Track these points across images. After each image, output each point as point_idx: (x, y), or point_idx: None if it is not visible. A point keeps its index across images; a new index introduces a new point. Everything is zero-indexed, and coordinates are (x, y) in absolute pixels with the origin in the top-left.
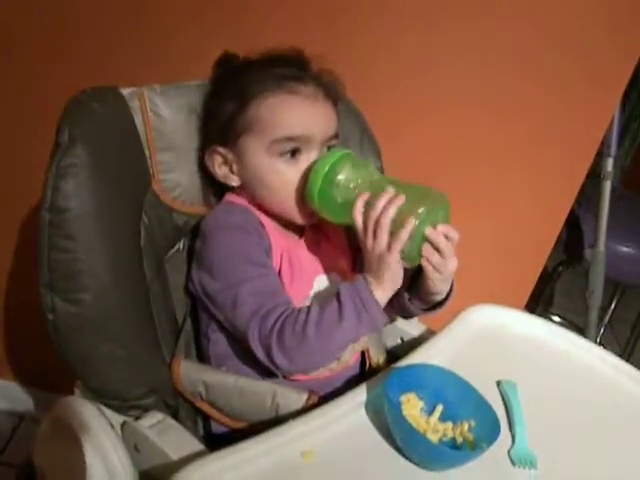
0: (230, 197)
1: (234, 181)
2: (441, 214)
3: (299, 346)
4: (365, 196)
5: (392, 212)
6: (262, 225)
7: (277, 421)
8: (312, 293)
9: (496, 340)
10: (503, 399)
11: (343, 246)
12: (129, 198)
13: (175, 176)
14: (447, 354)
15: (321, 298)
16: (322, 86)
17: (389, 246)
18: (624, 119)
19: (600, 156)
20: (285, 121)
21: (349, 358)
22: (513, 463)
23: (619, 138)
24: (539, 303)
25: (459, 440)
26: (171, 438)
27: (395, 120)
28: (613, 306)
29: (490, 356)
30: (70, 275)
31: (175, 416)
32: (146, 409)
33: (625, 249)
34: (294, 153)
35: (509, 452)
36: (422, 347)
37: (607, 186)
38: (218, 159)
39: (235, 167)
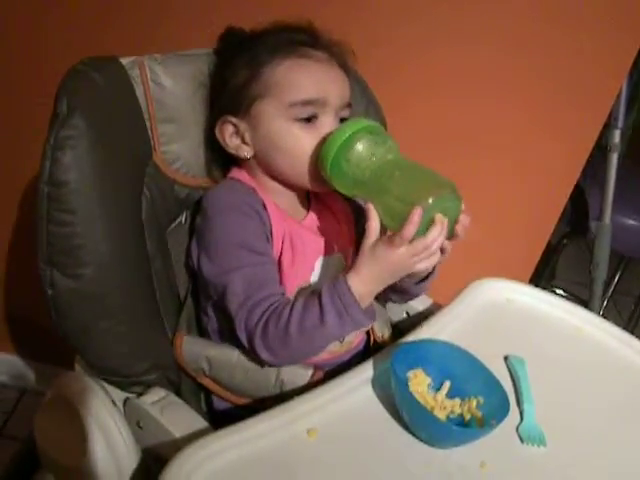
0: (235, 173)
1: (246, 152)
2: (449, 201)
3: (282, 343)
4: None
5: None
6: (265, 207)
7: (282, 397)
8: (314, 276)
9: (503, 314)
10: (511, 375)
11: (349, 223)
12: (130, 170)
13: (177, 148)
14: (453, 328)
15: (323, 280)
16: (334, 54)
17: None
18: (631, 90)
19: (607, 128)
20: (302, 84)
21: (353, 339)
22: (522, 440)
23: (627, 110)
24: (543, 276)
25: (467, 417)
26: (174, 415)
27: (395, 104)
28: (617, 279)
29: (497, 331)
30: (69, 249)
31: (178, 393)
32: (149, 385)
33: (631, 222)
34: (310, 119)
35: (517, 429)
36: (428, 322)
37: (614, 158)
38: (230, 129)
39: (248, 136)
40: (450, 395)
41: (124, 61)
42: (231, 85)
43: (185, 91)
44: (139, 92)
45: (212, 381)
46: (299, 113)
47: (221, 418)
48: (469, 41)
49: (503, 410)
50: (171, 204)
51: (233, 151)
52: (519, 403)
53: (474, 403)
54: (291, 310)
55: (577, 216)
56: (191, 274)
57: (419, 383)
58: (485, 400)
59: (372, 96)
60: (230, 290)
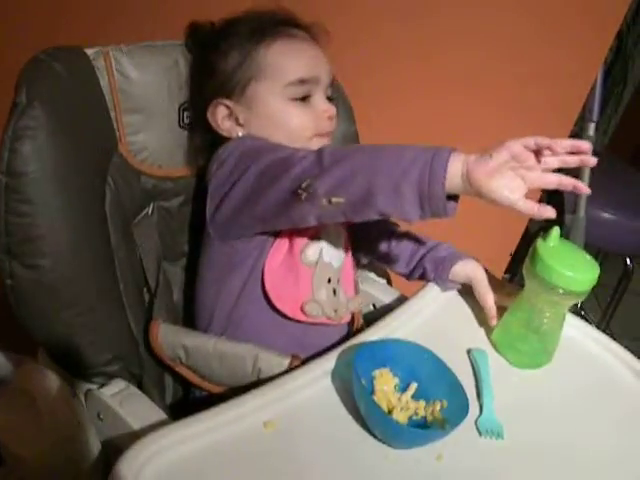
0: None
1: (240, 132)
2: None
3: (348, 154)
4: None
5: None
6: None
7: (258, 386)
8: (324, 236)
9: (467, 307)
10: (473, 368)
11: None
12: (93, 161)
13: (143, 138)
14: (417, 322)
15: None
16: (313, 35)
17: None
18: (609, 85)
19: (583, 120)
20: (295, 64)
21: (344, 314)
22: (480, 433)
23: (602, 103)
24: (519, 269)
25: (430, 419)
26: (133, 407)
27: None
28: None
29: (461, 324)
30: (28, 240)
31: (140, 385)
32: (110, 377)
33: (607, 215)
34: (304, 98)
35: (476, 422)
36: (392, 314)
37: None
38: (222, 112)
39: (242, 117)
40: (416, 397)
41: (88, 52)
42: (221, 69)
43: (153, 82)
44: (104, 83)
45: (189, 370)
46: (295, 93)
47: (199, 407)
48: (447, 38)
49: (462, 415)
50: (137, 195)
51: (226, 133)
52: (479, 396)
53: (438, 406)
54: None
55: (553, 208)
56: (158, 263)
57: (385, 382)
58: (449, 404)
59: (340, 87)
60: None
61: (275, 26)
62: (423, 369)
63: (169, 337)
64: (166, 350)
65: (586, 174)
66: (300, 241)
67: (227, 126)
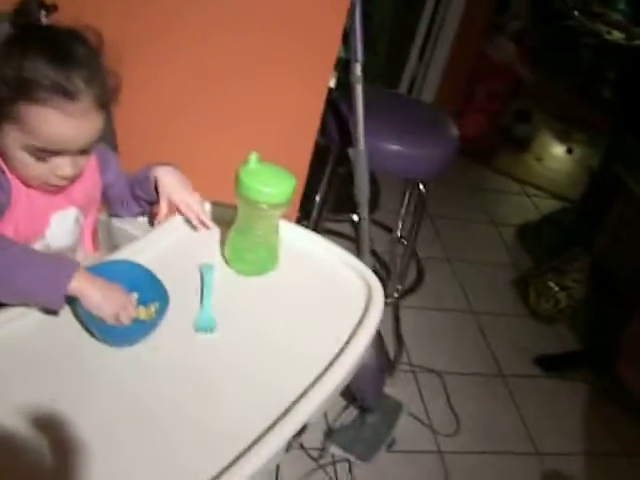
0: None
1: None
2: None
3: None
4: None
5: None
6: (2, 172)
7: None
8: (49, 232)
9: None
10: (202, 279)
11: (94, 178)
12: None
13: None
14: (157, 247)
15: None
16: (95, 97)
17: None
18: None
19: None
20: (44, 135)
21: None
22: (195, 329)
23: (364, 42)
24: (323, 209)
25: (148, 321)
26: None
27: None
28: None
29: (197, 245)
30: None
31: None
32: None
33: (392, 147)
34: (43, 158)
35: (194, 320)
36: (134, 243)
37: (359, 90)
38: None
39: None
40: (137, 304)
41: None
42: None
43: None
44: None
45: None
46: (35, 152)
47: None
48: None
49: (164, 307)
50: None
51: None
52: (201, 300)
53: (153, 308)
54: (12, 243)
55: (345, 146)
56: None
57: None
58: (160, 304)
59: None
60: None
61: (52, 91)
62: (140, 281)
63: None
64: None
65: (359, 109)
66: (23, 244)
67: None
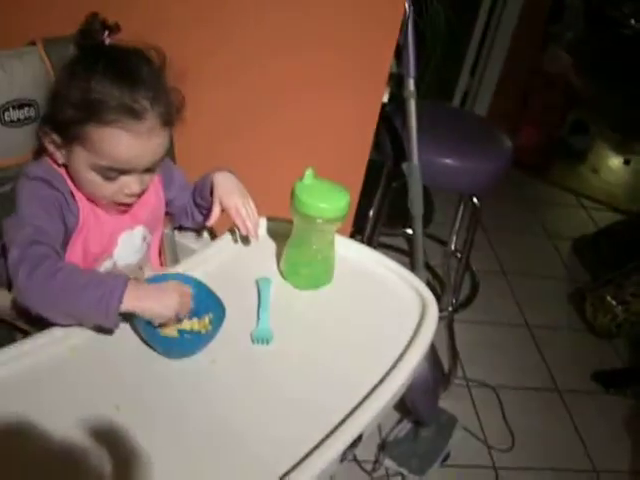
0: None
1: (60, 159)
2: None
3: (44, 280)
4: None
5: None
6: (72, 194)
7: None
8: (116, 251)
9: (260, 247)
10: (259, 293)
11: (159, 195)
12: None
13: None
14: (215, 261)
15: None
16: (160, 116)
17: None
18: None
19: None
20: (112, 154)
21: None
22: (253, 341)
23: (416, 58)
24: (378, 223)
25: (203, 332)
26: None
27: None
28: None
29: (254, 260)
30: None
31: None
32: None
33: (442, 160)
34: (111, 177)
35: (252, 333)
36: (191, 257)
37: (412, 105)
38: (49, 138)
39: (63, 152)
40: (190, 317)
41: None
42: (61, 108)
43: None
44: None
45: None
46: (102, 171)
47: None
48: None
49: (221, 319)
50: None
51: (49, 154)
52: (259, 313)
53: (207, 319)
54: (63, 266)
55: (399, 161)
56: None
57: None
58: (214, 315)
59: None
60: (21, 224)
61: (118, 112)
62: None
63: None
64: None
65: (412, 125)
66: (91, 263)
67: (51, 149)
